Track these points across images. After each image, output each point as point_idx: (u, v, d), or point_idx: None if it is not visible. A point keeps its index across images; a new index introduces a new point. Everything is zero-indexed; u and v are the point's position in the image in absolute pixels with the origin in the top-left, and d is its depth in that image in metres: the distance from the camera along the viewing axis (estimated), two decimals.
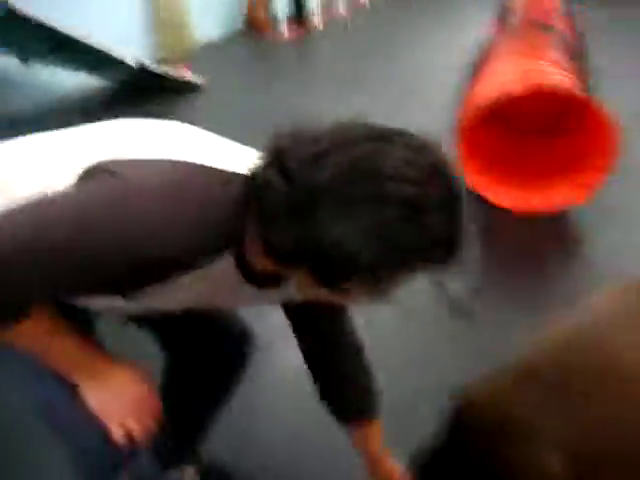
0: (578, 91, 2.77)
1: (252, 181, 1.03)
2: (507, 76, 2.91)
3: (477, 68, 3.47)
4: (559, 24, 4.33)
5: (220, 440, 1.85)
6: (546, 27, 4.05)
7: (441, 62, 6.89)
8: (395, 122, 1.10)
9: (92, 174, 1.06)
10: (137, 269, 1.02)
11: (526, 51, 3.21)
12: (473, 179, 3.07)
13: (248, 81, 6.56)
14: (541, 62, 3.04)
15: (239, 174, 1.07)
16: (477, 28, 7.93)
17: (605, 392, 1.11)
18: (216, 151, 1.17)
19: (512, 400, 1.10)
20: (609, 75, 5.45)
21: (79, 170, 1.08)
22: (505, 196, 3.23)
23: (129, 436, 1.17)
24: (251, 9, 8.72)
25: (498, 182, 3.21)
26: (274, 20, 8.65)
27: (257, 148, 1.10)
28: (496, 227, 3.32)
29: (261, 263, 1.09)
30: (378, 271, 0.97)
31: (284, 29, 8.53)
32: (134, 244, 0.99)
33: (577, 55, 3.92)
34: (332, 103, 5.55)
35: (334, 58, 7.51)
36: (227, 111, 5.42)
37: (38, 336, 1.11)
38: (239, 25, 8.85)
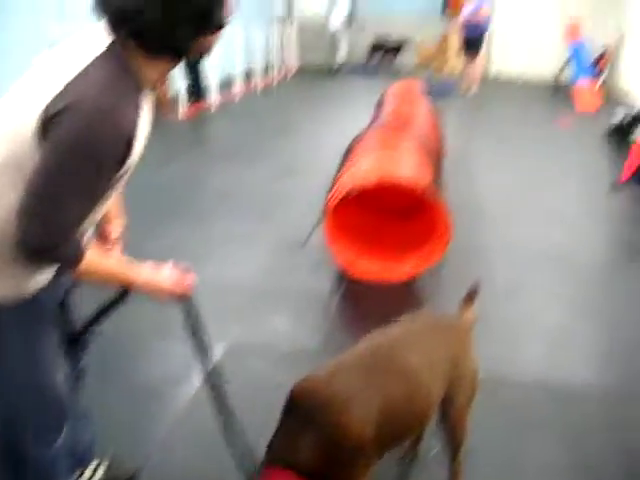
0: (421, 185, 3.47)
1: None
2: (366, 168, 3.61)
3: (348, 155, 4.17)
4: (422, 120, 5.13)
5: None
6: (409, 123, 4.83)
7: (326, 144, 7.60)
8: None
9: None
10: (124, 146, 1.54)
11: (387, 144, 3.94)
12: (338, 255, 3.76)
13: (144, 158, 7.01)
14: (397, 156, 3.77)
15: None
16: (364, 114, 8.93)
17: (392, 380, 1.74)
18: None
19: (335, 384, 1.69)
20: (468, 163, 6.45)
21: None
22: (365, 268, 3.88)
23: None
24: None
25: (359, 256, 3.88)
26: (173, 99, 9.18)
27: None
28: (354, 294, 3.97)
29: (147, 70, 1.62)
30: (169, 31, 1.52)
31: (182, 108, 9.08)
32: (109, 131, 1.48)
33: (433, 151, 4.70)
34: (223, 177, 6.21)
35: (228, 137, 8.19)
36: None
37: (96, 270, 1.63)
38: None
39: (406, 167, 3.65)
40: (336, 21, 14.35)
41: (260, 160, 6.94)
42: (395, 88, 6.38)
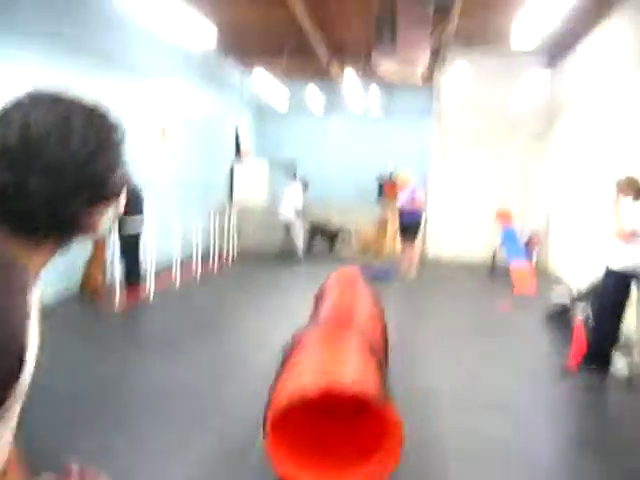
0: (367, 391, 3.16)
1: None
2: (308, 374, 3.29)
3: (288, 356, 3.85)
4: (364, 313, 4.91)
5: None
6: (351, 318, 4.59)
7: (267, 339, 7.33)
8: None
9: None
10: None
11: (329, 345, 3.65)
12: (279, 467, 3.30)
13: (80, 347, 6.62)
14: (340, 359, 3.47)
15: None
16: (304, 304, 8.73)
17: None
18: None
19: None
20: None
21: None
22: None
23: None
24: (87, 275, 8.92)
25: (303, 468, 3.44)
26: (107, 288, 8.92)
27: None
28: None
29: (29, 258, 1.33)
30: (58, 206, 1.27)
31: (117, 298, 8.75)
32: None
33: (377, 345, 4.44)
34: (156, 377, 5.76)
35: (164, 330, 7.78)
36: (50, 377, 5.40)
37: None
38: (74, 289, 9.02)
39: (351, 371, 3.36)
40: (287, 211, 14.63)
41: (197, 357, 6.55)
42: (335, 278, 6.23)
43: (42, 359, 1.36)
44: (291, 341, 4.14)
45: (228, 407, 5.05)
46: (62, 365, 5.83)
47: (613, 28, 11.27)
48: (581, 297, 8.16)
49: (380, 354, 4.53)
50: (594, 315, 6.23)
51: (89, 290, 8.87)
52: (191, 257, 11.51)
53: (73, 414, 4.76)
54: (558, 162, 14.23)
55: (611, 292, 5.95)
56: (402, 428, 3.19)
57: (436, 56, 13.68)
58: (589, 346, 6.05)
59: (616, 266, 5.93)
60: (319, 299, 6.00)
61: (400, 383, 4.49)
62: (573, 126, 13.03)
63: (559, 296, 9.23)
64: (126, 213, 9.00)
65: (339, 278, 6.13)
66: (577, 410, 5.63)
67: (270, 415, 3.17)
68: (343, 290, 5.47)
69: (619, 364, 6.17)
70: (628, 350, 6.22)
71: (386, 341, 4.88)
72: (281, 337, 7.19)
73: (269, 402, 3.35)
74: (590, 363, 6.01)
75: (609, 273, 5.96)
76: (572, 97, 13.49)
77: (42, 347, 1.40)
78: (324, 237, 14.93)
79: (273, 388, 3.46)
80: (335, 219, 15.38)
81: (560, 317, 8.78)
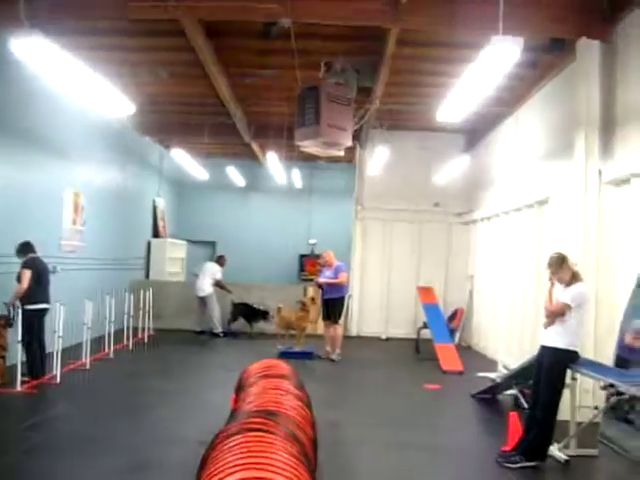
0: None
1: None
2: None
3: (207, 466, 3.48)
4: (289, 409, 4.58)
5: None
6: (273, 414, 4.25)
7: (183, 430, 6.86)
8: None
9: None
10: None
11: (255, 455, 3.30)
12: None
13: None
14: (263, 469, 3.13)
15: None
16: (223, 387, 8.29)
17: None
18: None
19: None
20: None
21: None
22: None
23: None
24: None
25: None
26: (8, 371, 8.29)
27: None
28: None
29: None
30: None
31: (20, 380, 8.10)
32: None
33: (306, 444, 4.12)
34: (58, 475, 5.20)
35: (69, 417, 7.13)
36: None
37: None
38: None
39: None
40: (203, 285, 14.27)
41: (105, 449, 5.99)
42: (256, 369, 5.87)
43: None
44: (212, 445, 3.76)
45: None
46: None
47: (525, 116, 11.70)
48: (511, 376, 8.04)
49: (310, 456, 4.20)
50: (534, 397, 6.01)
51: None
52: (103, 336, 10.91)
53: None
54: (480, 240, 14.46)
55: (558, 372, 5.82)
56: None
57: (359, 135, 13.85)
58: (527, 440, 5.84)
59: (563, 344, 5.81)
60: (240, 390, 5.63)
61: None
62: (493, 204, 13.30)
63: (489, 379, 9.15)
64: (30, 299, 8.52)
65: (261, 370, 5.77)
66: None
67: None
68: (264, 386, 5.12)
69: (556, 448, 6.02)
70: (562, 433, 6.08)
71: (314, 440, 4.55)
72: (195, 430, 6.83)
73: None
74: (529, 458, 5.78)
75: (558, 352, 5.80)
76: (490, 177, 13.83)
77: None
78: (245, 316, 14.56)
79: None
80: (255, 296, 15.06)
81: (489, 398, 8.69)
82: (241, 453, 3.34)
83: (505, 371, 10.03)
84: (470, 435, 7.29)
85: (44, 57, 6.36)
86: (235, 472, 3.09)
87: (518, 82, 10.68)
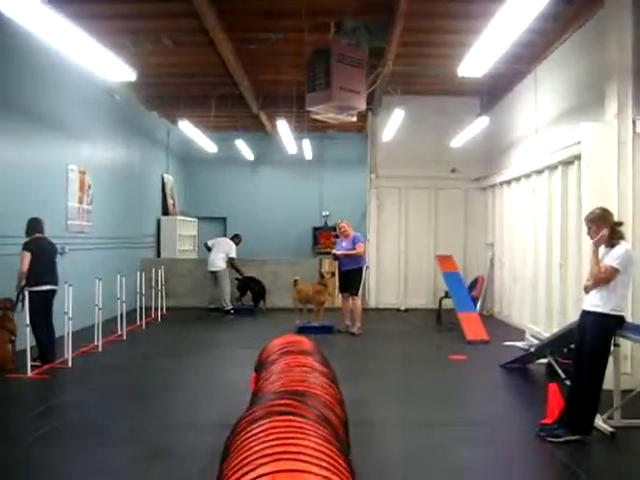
0: None
1: None
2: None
3: (232, 454, 3.10)
4: (317, 386, 4.21)
5: None
6: (301, 394, 3.88)
7: (201, 411, 6.51)
8: None
9: None
10: None
11: (282, 443, 2.93)
12: None
13: None
14: (296, 458, 2.75)
15: None
16: (239, 366, 7.94)
17: None
18: None
19: None
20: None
21: None
22: None
23: None
24: None
25: None
26: (19, 357, 7.99)
27: None
28: None
29: None
30: None
31: (30, 365, 7.79)
32: None
33: (336, 425, 3.75)
34: (70, 461, 4.84)
35: (80, 404, 6.76)
36: None
37: None
38: None
39: (312, 478, 2.64)
40: (216, 261, 13.90)
41: (120, 435, 5.66)
42: (277, 345, 5.48)
43: None
44: (234, 431, 3.39)
45: None
46: None
47: (545, 73, 11.16)
48: (545, 345, 7.63)
49: (342, 439, 3.82)
50: (577, 366, 5.57)
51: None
52: (115, 316, 10.59)
53: None
54: (499, 205, 13.99)
55: (603, 338, 5.37)
56: None
57: (371, 101, 13.33)
58: (570, 412, 5.43)
59: (607, 309, 5.36)
60: (261, 368, 5.26)
61: (362, 466, 3.72)
62: (513, 168, 12.81)
63: (519, 349, 8.78)
64: (32, 281, 8.20)
65: (283, 346, 5.39)
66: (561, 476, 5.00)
67: None
68: (289, 362, 4.74)
69: (600, 420, 5.62)
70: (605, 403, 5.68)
71: (345, 422, 4.18)
72: (214, 413, 6.49)
73: None
74: (573, 431, 5.37)
75: (602, 317, 5.35)
76: (509, 140, 13.33)
77: None
78: (252, 292, 14.23)
79: None
80: (269, 271, 14.73)
81: (520, 368, 8.31)
82: (270, 441, 2.96)
83: (534, 340, 9.66)
84: (504, 408, 6.89)
85: (46, 26, 5.93)
86: (265, 464, 2.69)
87: (538, 37, 10.12)
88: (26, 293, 7.97)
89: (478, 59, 6.99)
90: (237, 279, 14.19)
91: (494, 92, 13.64)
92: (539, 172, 11.21)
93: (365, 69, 9.26)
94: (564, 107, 10.15)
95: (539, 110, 11.36)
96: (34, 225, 8.53)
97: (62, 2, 6.07)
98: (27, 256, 8.20)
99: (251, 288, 14.23)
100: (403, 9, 8.95)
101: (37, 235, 8.50)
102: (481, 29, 6.53)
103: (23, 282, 8.13)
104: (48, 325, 8.50)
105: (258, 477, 2.60)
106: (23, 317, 7.95)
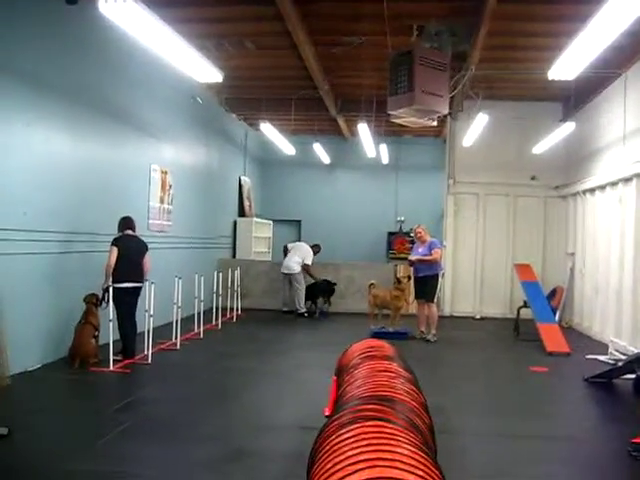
0: None
1: None
2: None
3: (319, 458, 3.06)
4: (402, 392, 4.13)
5: None
6: (388, 399, 3.82)
7: (279, 413, 6.52)
8: None
9: None
10: None
11: (374, 451, 2.86)
12: None
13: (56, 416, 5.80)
14: (392, 465, 2.69)
15: None
16: (316, 368, 7.90)
17: None
18: None
19: None
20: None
21: None
22: None
23: None
24: (78, 340, 8.17)
25: None
26: (102, 351, 8.19)
27: None
28: None
29: None
30: None
31: (112, 359, 7.98)
32: None
33: (424, 430, 3.67)
34: (150, 464, 4.89)
35: (159, 402, 6.86)
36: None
37: None
38: (63, 353, 8.28)
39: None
40: (291, 263, 13.97)
41: (200, 433, 5.70)
42: (358, 350, 5.43)
43: None
44: (320, 439, 3.35)
45: None
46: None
47: (635, 77, 10.76)
48: (634, 359, 7.33)
49: (431, 446, 3.73)
50: None
51: (80, 355, 8.10)
52: (192, 315, 10.74)
53: None
54: (581, 215, 13.56)
55: None
56: None
57: (451, 105, 13.15)
58: None
59: None
60: (342, 372, 5.21)
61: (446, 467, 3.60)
62: (597, 176, 12.40)
63: (607, 363, 8.46)
64: (116, 278, 8.42)
65: (365, 351, 5.33)
66: None
67: None
68: (373, 367, 4.67)
69: None
70: None
71: (432, 429, 4.09)
72: (293, 415, 6.48)
73: None
74: None
75: None
76: (592, 148, 12.92)
77: None
78: (322, 294, 14.25)
79: None
80: (343, 275, 14.73)
81: (605, 379, 8.00)
82: (362, 447, 2.90)
83: (618, 354, 9.31)
84: (591, 423, 6.63)
85: (141, 28, 6.08)
86: (360, 470, 2.64)
87: (627, 39, 9.73)
88: (110, 289, 8.18)
89: (570, 62, 6.79)
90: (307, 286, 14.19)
91: (579, 97, 13.24)
92: (627, 180, 10.82)
93: (448, 73, 9.12)
94: None
95: (628, 116, 10.95)
96: (125, 222, 8.81)
97: (152, 4, 6.21)
98: (113, 251, 8.42)
99: (321, 290, 14.24)
100: (490, 12, 8.79)
101: (127, 232, 8.75)
102: (571, 32, 6.34)
103: (109, 278, 8.34)
104: (132, 321, 8.70)
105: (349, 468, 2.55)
106: (107, 312, 8.16)
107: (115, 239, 8.59)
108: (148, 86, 10.92)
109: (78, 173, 8.81)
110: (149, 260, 8.96)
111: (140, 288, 8.74)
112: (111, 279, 8.36)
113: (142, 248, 8.90)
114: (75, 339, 8.21)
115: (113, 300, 8.20)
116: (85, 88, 8.89)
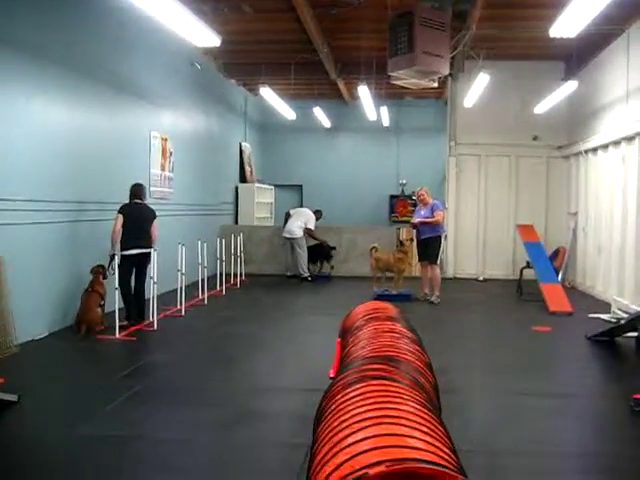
0: (441, 470, 2.43)
1: None
2: (365, 450, 2.53)
3: (326, 417, 3.11)
4: (406, 352, 4.17)
5: None
6: (393, 359, 3.86)
7: (285, 374, 6.61)
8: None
9: None
10: None
11: (381, 408, 2.90)
12: None
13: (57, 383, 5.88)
14: (401, 427, 2.72)
15: None
16: (322, 334, 7.97)
17: None
18: None
19: None
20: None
21: None
22: None
23: None
24: (84, 307, 8.24)
25: None
26: (108, 318, 8.26)
27: None
28: None
29: None
30: None
31: (118, 326, 8.03)
32: None
33: (429, 390, 3.72)
34: (161, 426, 4.95)
35: (167, 366, 6.93)
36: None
37: None
38: (70, 322, 8.36)
39: (415, 442, 2.61)
40: (293, 227, 13.99)
41: (207, 396, 5.78)
42: (362, 311, 5.46)
43: None
44: (326, 398, 3.39)
45: (253, 461, 4.29)
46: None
47: (638, 34, 10.63)
48: (636, 317, 7.38)
49: (434, 396, 3.79)
50: None
51: (86, 322, 8.17)
52: (196, 282, 10.80)
53: None
54: (584, 174, 13.51)
55: None
56: None
57: (452, 65, 13.02)
58: None
59: None
60: (346, 333, 5.25)
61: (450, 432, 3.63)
62: (600, 135, 12.33)
63: (607, 321, 8.51)
64: (121, 245, 8.53)
65: (368, 312, 5.36)
66: None
67: None
68: (376, 329, 4.71)
69: None
70: None
71: (436, 387, 4.13)
72: (298, 378, 6.54)
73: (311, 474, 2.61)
74: None
75: None
76: (595, 107, 12.82)
77: None
78: (321, 257, 14.34)
79: (314, 464, 2.73)
80: (346, 239, 14.76)
81: (608, 340, 8.06)
82: (368, 405, 2.94)
83: (620, 312, 9.36)
84: (594, 381, 6.71)
85: None
86: (366, 427, 2.68)
87: None
88: (116, 257, 8.23)
89: (572, 19, 6.71)
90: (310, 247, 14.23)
91: (581, 56, 13.10)
92: (629, 139, 10.76)
93: (449, 32, 9.03)
94: None
95: (631, 74, 10.85)
96: (134, 190, 8.89)
97: None
98: (118, 219, 8.49)
99: (320, 253, 14.32)
100: None
101: (135, 200, 8.81)
102: None
103: (116, 245, 8.42)
104: (137, 288, 8.80)
105: (361, 440, 2.59)
106: (114, 280, 8.22)
107: (121, 207, 8.64)
108: (146, 52, 10.82)
109: (78, 142, 8.78)
110: (157, 227, 9.03)
111: (148, 255, 8.76)
112: (118, 246, 8.43)
113: (149, 215, 8.95)
114: (81, 306, 8.28)
115: (119, 267, 8.24)
116: (83, 56, 8.81)
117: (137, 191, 8.90)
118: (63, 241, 8.44)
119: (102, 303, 8.45)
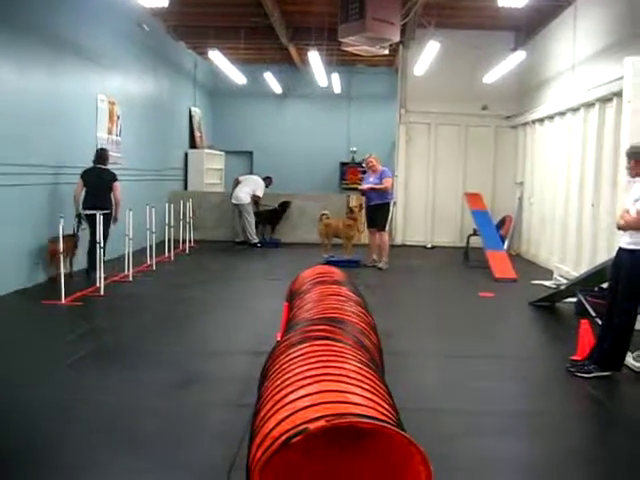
0: (381, 424, 2.50)
1: None
2: (303, 403, 2.58)
3: (270, 377, 3.15)
4: (351, 314, 4.23)
5: None
6: (337, 320, 3.92)
7: (232, 338, 6.65)
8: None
9: None
10: None
11: (323, 366, 2.95)
12: None
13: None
14: (342, 384, 2.78)
15: None
16: (269, 297, 8.02)
17: None
18: None
19: None
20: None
21: None
22: None
23: None
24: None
25: None
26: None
27: None
28: None
29: None
30: None
31: (62, 293, 7.91)
32: None
33: (372, 350, 3.79)
34: (104, 389, 4.95)
35: (112, 331, 6.89)
36: None
37: None
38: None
39: (356, 398, 2.67)
40: (241, 194, 13.93)
41: (155, 360, 5.78)
42: (309, 275, 5.51)
43: None
44: (270, 359, 3.44)
45: (200, 422, 4.33)
46: None
47: (585, 7, 10.79)
48: (576, 283, 7.61)
49: (377, 358, 3.87)
50: (610, 303, 5.51)
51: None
52: (145, 247, 10.70)
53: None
54: (531, 144, 13.75)
55: (638, 275, 5.27)
56: (430, 466, 2.52)
57: (403, 33, 13.03)
58: (602, 348, 5.42)
59: None
60: (293, 297, 5.30)
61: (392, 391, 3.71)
62: (546, 106, 12.54)
63: (547, 287, 8.74)
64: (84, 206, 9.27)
65: (315, 276, 5.42)
66: (592, 416, 5.01)
67: (261, 456, 2.46)
68: (323, 291, 4.77)
69: (631, 358, 5.62)
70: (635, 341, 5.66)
71: (380, 348, 4.21)
72: (245, 341, 6.58)
73: (255, 438, 2.66)
74: (604, 367, 5.39)
75: (637, 253, 5.21)
76: (543, 77, 13.01)
77: None
78: (267, 220, 14.51)
79: (257, 421, 2.77)
80: (296, 206, 14.77)
81: (547, 305, 8.30)
82: (310, 364, 2.99)
83: (562, 279, 9.63)
84: (534, 344, 6.94)
85: None
86: (308, 384, 2.74)
87: None
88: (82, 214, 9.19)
89: None
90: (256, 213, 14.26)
91: (530, 26, 13.26)
92: (575, 110, 10.97)
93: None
94: (604, 42, 9.83)
95: (577, 45, 11.03)
96: (96, 155, 9.67)
97: None
98: (78, 183, 9.34)
99: (267, 218, 14.43)
100: None
101: (98, 165, 9.54)
102: None
103: (79, 206, 9.27)
104: (92, 245, 9.21)
105: (302, 397, 2.65)
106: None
107: (82, 171, 9.35)
108: (92, 13, 10.50)
109: (22, 105, 8.54)
110: (117, 189, 9.59)
111: (107, 215, 9.16)
112: (81, 207, 9.26)
113: (106, 178, 9.54)
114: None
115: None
116: (26, 16, 8.52)
117: (98, 156, 9.64)
118: (22, 204, 8.57)
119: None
